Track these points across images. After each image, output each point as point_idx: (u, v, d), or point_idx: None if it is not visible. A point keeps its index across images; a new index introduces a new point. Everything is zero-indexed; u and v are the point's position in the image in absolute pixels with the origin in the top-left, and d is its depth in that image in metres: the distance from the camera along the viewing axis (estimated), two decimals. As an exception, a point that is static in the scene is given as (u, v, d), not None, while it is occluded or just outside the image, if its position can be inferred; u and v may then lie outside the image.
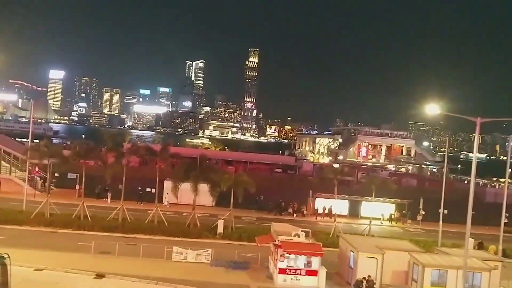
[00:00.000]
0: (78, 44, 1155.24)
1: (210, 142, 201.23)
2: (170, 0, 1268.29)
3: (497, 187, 64.02)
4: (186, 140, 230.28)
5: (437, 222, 37.58)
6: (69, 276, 24.69)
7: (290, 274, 25.37)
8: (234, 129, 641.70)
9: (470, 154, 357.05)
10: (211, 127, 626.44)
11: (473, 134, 23.55)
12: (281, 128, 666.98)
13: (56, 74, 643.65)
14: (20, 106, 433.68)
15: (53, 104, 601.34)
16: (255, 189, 37.52)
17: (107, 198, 47.37)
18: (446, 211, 38.23)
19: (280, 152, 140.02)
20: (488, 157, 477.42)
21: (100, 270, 25.52)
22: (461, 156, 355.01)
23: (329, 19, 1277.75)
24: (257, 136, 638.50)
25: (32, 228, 34.91)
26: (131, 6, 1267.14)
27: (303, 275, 25.35)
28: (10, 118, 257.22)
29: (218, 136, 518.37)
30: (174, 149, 50.43)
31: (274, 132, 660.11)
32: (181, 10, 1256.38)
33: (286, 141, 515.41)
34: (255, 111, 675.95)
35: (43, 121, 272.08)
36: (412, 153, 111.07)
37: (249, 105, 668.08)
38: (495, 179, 72.84)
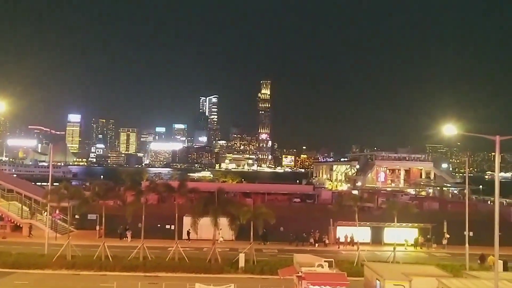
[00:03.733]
0: (93, 87, 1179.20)
1: (212, 175, 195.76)
2: (180, 39, 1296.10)
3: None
4: (188, 174, 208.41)
5: (463, 245, 36.63)
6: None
7: (316, 306, 24.76)
8: (250, 161, 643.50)
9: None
10: (227, 160, 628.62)
11: (493, 153, 23.23)
12: (297, 157, 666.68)
13: (74, 118, 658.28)
14: (39, 150, 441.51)
15: (72, 146, 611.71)
16: (275, 220, 37.23)
17: (127, 237, 47.44)
18: (471, 233, 37.28)
19: (298, 181, 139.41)
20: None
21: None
22: (486, 176, 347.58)
23: (338, 46, 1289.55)
24: (274, 166, 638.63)
25: (54, 272, 34.94)
26: (143, 47, 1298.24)
27: (329, 306, 24.72)
28: (30, 163, 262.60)
29: (234, 168, 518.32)
30: (192, 184, 50.57)
31: (290, 162, 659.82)
32: (191, 47, 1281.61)
33: (302, 170, 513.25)
34: (270, 142, 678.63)
35: (62, 164, 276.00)
36: (432, 176, 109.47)
37: (263, 136, 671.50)
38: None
